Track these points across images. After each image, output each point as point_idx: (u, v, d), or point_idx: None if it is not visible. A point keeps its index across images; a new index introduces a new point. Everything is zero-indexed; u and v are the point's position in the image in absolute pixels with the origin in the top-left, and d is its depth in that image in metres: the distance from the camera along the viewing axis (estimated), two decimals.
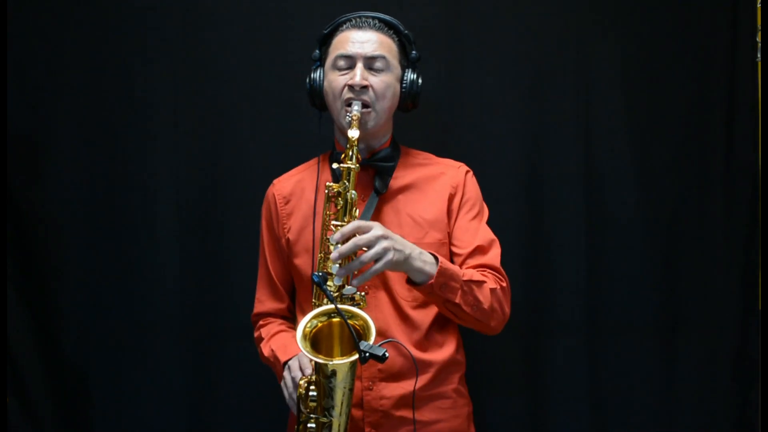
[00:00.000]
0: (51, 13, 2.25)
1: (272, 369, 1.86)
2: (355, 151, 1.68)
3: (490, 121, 2.29)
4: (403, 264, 1.64)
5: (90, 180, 2.28)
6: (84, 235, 2.28)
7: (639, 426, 2.30)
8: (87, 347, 2.29)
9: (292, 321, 1.93)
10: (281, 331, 1.88)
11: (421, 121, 2.28)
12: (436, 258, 1.69)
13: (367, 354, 1.50)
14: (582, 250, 2.29)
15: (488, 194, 2.26)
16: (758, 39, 2.28)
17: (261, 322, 1.93)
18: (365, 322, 1.58)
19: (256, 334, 1.93)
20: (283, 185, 1.91)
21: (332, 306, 1.59)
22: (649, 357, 2.31)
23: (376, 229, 1.61)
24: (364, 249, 1.60)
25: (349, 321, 1.55)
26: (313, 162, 1.93)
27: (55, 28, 2.25)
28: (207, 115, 2.28)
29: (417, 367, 1.72)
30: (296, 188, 1.89)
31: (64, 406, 2.28)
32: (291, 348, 1.79)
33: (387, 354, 1.50)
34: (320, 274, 1.62)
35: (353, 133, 1.68)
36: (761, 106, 2.25)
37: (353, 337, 1.52)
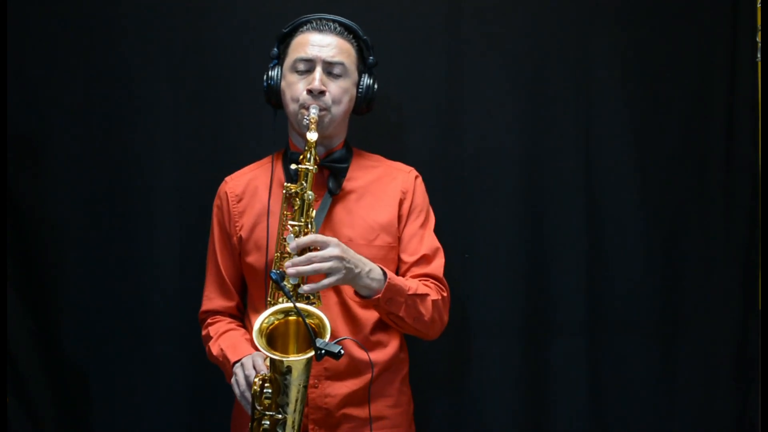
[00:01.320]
0: (51, 14, 2.25)
1: (220, 368, 1.86)
2: (313, 152, 1.71)
3: (490, 121, 2.29)
4: (350, 281, 1.69)
5: (90, 180, 2.28)
6: (84, 235, 2.28)
7: (639, 426, 2.30)
8: (87, 347, 2.28)
9: (240, 320, 1.93)
10: (230, 330, 1.88)
11: (421, 121, 2.28)
12: (384, 273, 1.73)
13: (323, 351, 1.54)
14: (582, 250, 2.29)
15: (488, 194, 2.28)
16: (758, 39, 2.28)
17: (209, 320, 1.92)
18: (321, 320, 1.61)
19: (204, 332, 1.92)
20: (236, 183, 1.92)
21: (290, 304, 1.62)
22: (649, 357, 2.31)
23: (333, 248, 1.65)
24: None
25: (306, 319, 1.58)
26: (266, 160, 1.94)
27: (55, 28, 2.25)
28: (207, 115, 2.28)
29: (372, 364, 1.77)
30: (249, 186, 1.90)
31: (64, 406, 2.28)
32: (241, 347, 1.80)
33: (342, 351, 1.55)
34: (278, 271, 1.65)
35: (312, 136, 1.71)
36: (761, 106, 2.25)
37: (310, 334, 1.55)
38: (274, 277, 1.62)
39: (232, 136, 2.29)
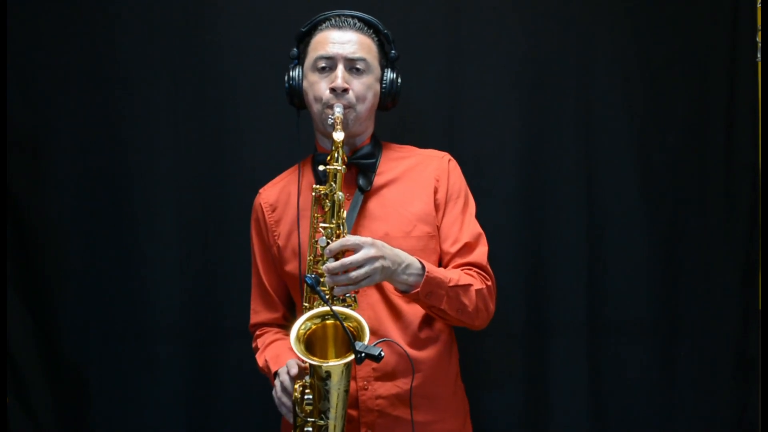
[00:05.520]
0: (51, 14, 2.25)
1: (269, 379, 1.85)
2: (341, 152, 1.68)
3: (490, 120, 2.29)
4: (387, 278, 1.65)
5: (90, 180, 2.28)
6: (84, 235, 2.28)
7: (639, 426, 2.30)
8: (87, 347, 2.29)
9: (288, 329, 1.92)
10: (276, 340, 1.88)
11: (421, 121, 2.28)
12: (423, 266, 1.68)
13: (363, 354, 1.50)
14: (582, 250, 2.30)
15: (488, 194, 2.28)
16: (758, 39, 2.28)
17: (257, 332, 1.94)
18: (359, 323, 1.58)
19: (253, 345, 1.94)
20: (268, 193, 1.91)
21: (326, 308, 1.59)
22: (649, 357, 2.31)
23: (367, 249, 1.59)
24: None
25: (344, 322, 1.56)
26: (296, 167, 1.92)
27: (55, 28, 2.25)
28: (207, 115, 2.28)
29: (413, 364, 1.72)
30: (282, 195, 1.89)
31: (64, 406, 2.28)
32: (283, 358, 1.78)
33: (383, 353, 1.51)
34: (313, 276, 1.62)
35: (338, 136, 1.68)
36: (761, 106, 2.25)
37: (349, 337, 1.53)
38: (309, 281, 1.58)
39: (232, 138, 2.28)
